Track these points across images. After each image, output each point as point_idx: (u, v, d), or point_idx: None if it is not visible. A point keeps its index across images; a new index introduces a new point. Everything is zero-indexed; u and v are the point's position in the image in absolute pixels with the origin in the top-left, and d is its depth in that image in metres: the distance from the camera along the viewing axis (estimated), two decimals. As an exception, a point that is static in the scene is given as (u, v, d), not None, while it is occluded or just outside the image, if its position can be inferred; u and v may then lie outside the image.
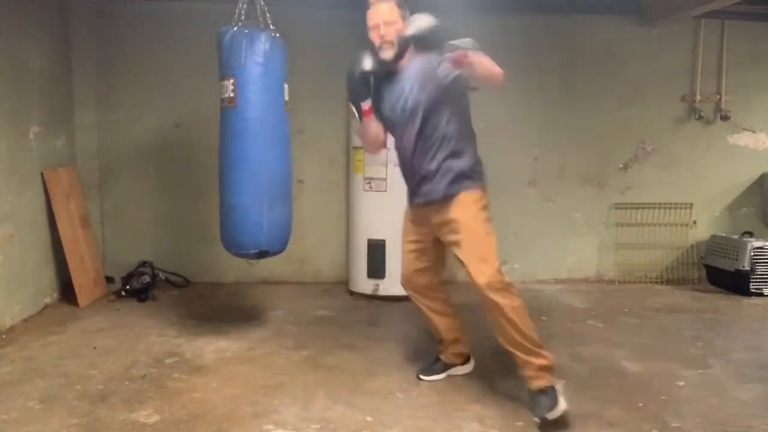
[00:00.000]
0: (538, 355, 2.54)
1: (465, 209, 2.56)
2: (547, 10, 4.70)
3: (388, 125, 2.72)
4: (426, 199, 2.63)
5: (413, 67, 2.60)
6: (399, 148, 2.71)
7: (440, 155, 2.58)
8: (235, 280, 4.73)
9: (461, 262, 2.57)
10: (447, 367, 2.99)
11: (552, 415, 2.42)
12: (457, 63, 2.32)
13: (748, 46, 4.93)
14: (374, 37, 2.57)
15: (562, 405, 2.45)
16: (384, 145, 2.82)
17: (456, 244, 2.57)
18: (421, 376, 2.95)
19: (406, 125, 2.61)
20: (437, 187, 2.58)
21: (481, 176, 2.66)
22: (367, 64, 2.56)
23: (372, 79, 2.62)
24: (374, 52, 2.58)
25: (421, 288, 2.87)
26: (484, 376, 3.00)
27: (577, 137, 4.96)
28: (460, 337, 2.96)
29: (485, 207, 2.62)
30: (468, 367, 3.03)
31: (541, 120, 4.90)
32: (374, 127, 2.70)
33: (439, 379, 2.94)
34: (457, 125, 2.61)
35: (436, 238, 2.74)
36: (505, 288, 2.52)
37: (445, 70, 2.39)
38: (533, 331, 2.55)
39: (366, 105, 2.64)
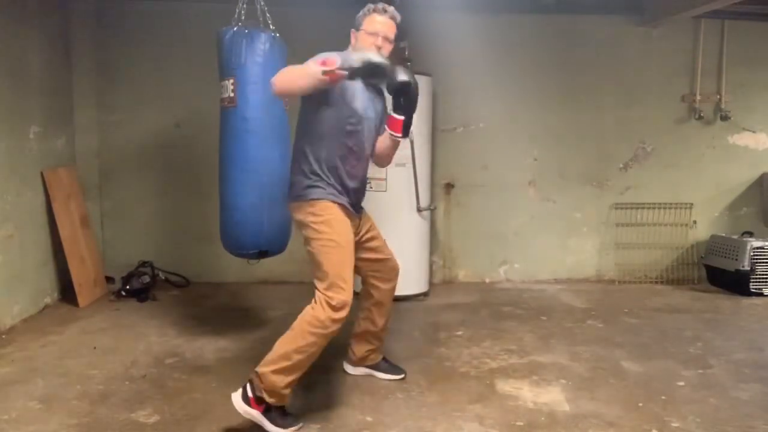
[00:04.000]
0: None
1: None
2: (547, 10, 4.69)
3: (353, 121, 2.54)
4: (359, 210, 2.74)
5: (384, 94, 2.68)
6: (352, 150, 2.58)
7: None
8: (235, 280, 4.73)
9: (386, 261, 2.86)
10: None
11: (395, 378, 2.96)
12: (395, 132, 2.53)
13: (748, 46, 4.93)
14: (367, 42, 2.52)
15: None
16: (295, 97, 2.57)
17: (381, 239, 2.86)
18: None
19: (369, 135, 2.63)
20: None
21: None
22: (379, 58, 2.35)
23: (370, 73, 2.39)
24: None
25: None
26: (484, 376, 3.00)
27: (577, 137, 4.96)
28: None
29: None
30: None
31: (541, 120, 4.90)
32: (320, 82, 2.32)
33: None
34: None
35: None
36: None
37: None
38: None
39: (343, 74, 2.31)
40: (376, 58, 2.34)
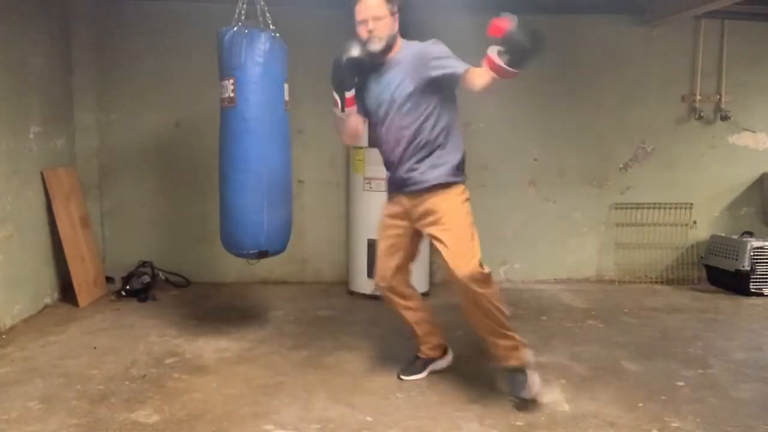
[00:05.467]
0: (508, 337, 2.64)
1: (450, 201, 2.63)
2: (547, 10, 4.69)
3: (372, 116, 2.74)
4: (413, 189, 2.65)
5: (403, 57, 2.62)
6: (383, 139, 2.72)
7: (429, 147, 2.62)
8: (235, 280, 4.73)
9: (442, 253, 2.60)
10: (426, 363, 2.99)
11: (527, 395, 2.58)
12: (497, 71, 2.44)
13: (748, 46, 4.93)
14: (362, 31, 2.57)
15: (536, 383, 2.61)
16: (361, 136, 2.97)
17: (440, 235, 2.61)
18: (402, 376, 2.95)
19: (393, 116, 2.62)
20: (425, 177, 2.61)
21: (463, 171, 2.73)
22: (355, 51, 2.53)
23: (358, 69, 2.60)
24: (361, 43, 2.58)
25: (395, 285, 2.86)
26: (484, 376, 3.00)
27: (577, 137, 4.96)
28: (433, 329, 2.99)
29: (467, 200, 2.70)
30: (447, 360, 3.04)
31: (541, 120, 4.90)
32: (354, 117, 2.73)
33: (421, 378, 2.95)
34: (446, 119, 2.64)
35: (413, 231, 2.76)
36: (487, 278, 2.57)
37: (442, 64, 2.53)
38: (506, 317, 2.64)
39: (350, 94, 2.62)
40: (353, 52, 2.53)
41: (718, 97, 4.96)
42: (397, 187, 2.73)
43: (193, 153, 4.64)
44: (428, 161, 2.62)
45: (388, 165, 2.75)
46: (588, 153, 4.98)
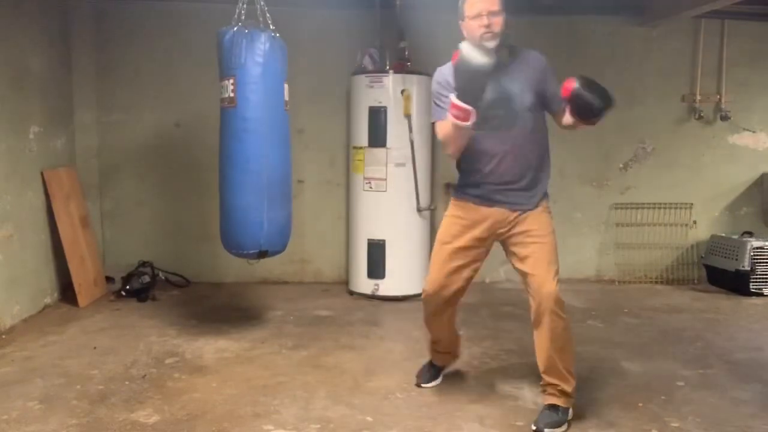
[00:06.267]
0: (565, 380, 2.46)
1: (545, 219, 2.58)
2: (548, 10, 4.69)
3: (481, 124, 2.38)
4: (513, 207, 2.51)
5: (522, 65, 2.48)
6: (485, 149, 2.48)
7: (535, 162, 2.55)
8: (235, 280, 4.73)
9: (526, 271, 2.50)
10: (441, 370, 2.94)
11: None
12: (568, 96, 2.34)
13: (748, 46, 4.93)
14: (474, 27, 2.36)
15: (564, 428, 2.45)
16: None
17: (532, 252, 2.50)
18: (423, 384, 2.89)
19: (510, 125, 2.45)
20: (531, 193, 2.53)
21: None
22: (486, 56, 2.17)
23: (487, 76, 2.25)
24: (480, 46, 2.30)
25: (449, 301, 2.65)
26: (484, 376, 3.00)
27: (577, 137, 4.93)
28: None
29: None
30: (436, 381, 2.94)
31: (541, 120, 4.89)
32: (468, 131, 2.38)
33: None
34: (545, 135, 2.61)
35: (489, 245, 2.60)
36: (563, 304, 2.47)
37: (554, 80, 2.45)
38: (572, 355, 2.50)
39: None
40: (470, 68, 2.18)
41: (718, 97, 4.95)
42: (491, 199, 2.51)
43: (193, 153, 4.64)
44: (536, 177, 2.56)
45: (485, 176, 2.50)
46: (588, 153, 4.97)
